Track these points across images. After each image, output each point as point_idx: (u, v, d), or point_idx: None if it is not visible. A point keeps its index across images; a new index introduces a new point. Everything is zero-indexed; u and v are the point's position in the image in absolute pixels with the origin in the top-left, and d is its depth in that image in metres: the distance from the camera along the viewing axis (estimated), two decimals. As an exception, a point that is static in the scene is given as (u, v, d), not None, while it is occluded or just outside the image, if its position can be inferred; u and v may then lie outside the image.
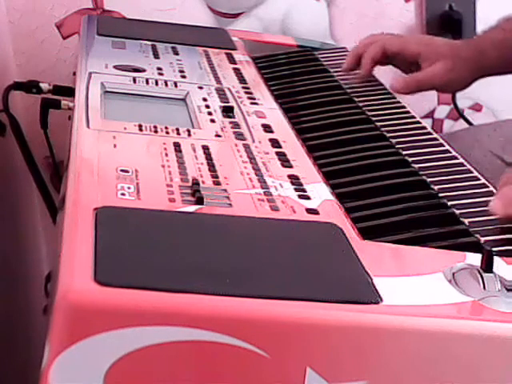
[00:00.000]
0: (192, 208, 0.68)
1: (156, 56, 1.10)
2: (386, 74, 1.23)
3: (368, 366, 0.58)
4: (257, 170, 0.78)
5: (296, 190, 0.75)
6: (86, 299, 0.55)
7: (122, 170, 0.72)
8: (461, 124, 1.66)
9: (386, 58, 1.18)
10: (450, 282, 0.63)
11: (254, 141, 0.85)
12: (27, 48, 1.48)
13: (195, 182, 0.72)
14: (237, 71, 1.10)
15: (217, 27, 1.49)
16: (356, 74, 1.18)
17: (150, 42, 1.15)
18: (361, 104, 1.07)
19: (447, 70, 1.14)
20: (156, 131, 0.83)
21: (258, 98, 1.00)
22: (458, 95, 1.62)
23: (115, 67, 1.02)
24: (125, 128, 0.83)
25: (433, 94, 1.69)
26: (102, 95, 0.92)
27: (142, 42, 1.15)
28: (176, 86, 0.99)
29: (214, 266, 0.60)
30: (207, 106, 0.94)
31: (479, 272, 0.63)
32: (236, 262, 0.61)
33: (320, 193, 0.76)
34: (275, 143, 0.86)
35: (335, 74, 1.18)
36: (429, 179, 0.85)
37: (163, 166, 0.75)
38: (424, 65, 1.15)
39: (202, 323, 0.55)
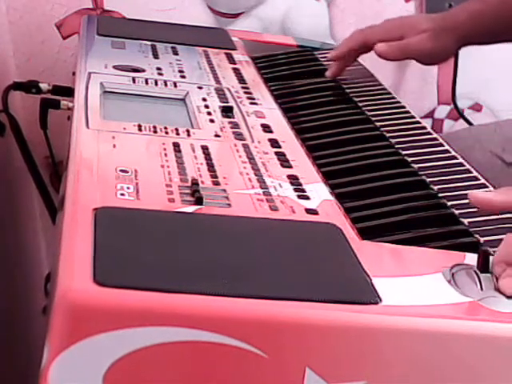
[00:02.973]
0: (191, 208, 0.68)
1: (155, 56, 1.10)
2: (386, 73, 1.23)
3: (367, 366, 0.58)
4: (256, 170, 0.78)
5: (295, 190, 0.75)
6: (85, 299, 0.55)
7: (121, 170, 0.72)
8: (461, 124, 1.66)
9: (367, 48, 1.18)
10: (449, 282, 0.63)
11: (253, 141, 0.85)
12: (27, 48, 1.48)
13: (194, 182, 0.72)
14: (236, 71, 1.10)
15: (217, 27, 1.49)
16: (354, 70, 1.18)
17: (149, 42, 1.15)
18: (361, 104, 1.07)
19: (430, 38, 1.15)
20: (155, 131, 0.83)
21: (258, 98, 1.00)
22: (458, 95, 1.62)
23: (115, 67, 1.02)
24: (124, 128, 0.83)
25: (433, 94, 1.69)
26: (101, 95, 0.92)
27: (141, 42, 1.15)
28: (175, 86, 0.99)
29: (213, 266, 0.60)
30: (206, 106, 0.94)
31: (475, 272, 0.63)
32: (235, 262, 0.61)
33: (319, 193, 0.76)
34: (274, 143, 0.86)
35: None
36: (428, 179, 0.85)
37: (162, 166, 0.75)
38: None
39: (202, 323, 0.55)
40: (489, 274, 0.63)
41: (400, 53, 1.15)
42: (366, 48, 1.16)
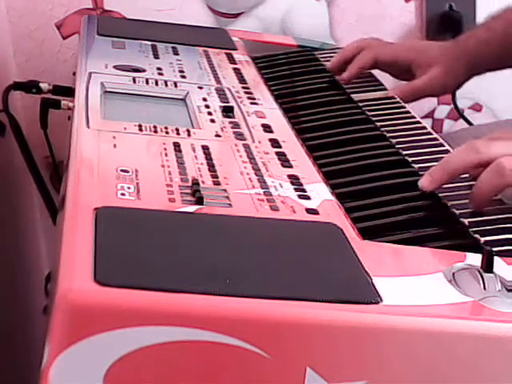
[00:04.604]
0: (192, 208, 0.68)
1: (156, 56, 1.10)
2: (387, 74, 1.23)
3: (368, 366, 0.58)
4: (257, 170, 0.78)
5: (296, 190, 0.75)
6: (85, 299, 0.55)
7: (121, 170, 0.72)
8: (461, 124, 1.66)
9: (375, 67, 1.19)
10: (450, 281, 0.63)
11: (253, 141, 0.85)
12: (27, 48, 1.48)
13: (195, 182, 0.72)
14: (237, 71, 1.10)
15: (217, 27, 1.49)
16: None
17: (149, 42, 1.15)
18: (361, 104, 1.07)
19: (442, 74, 1.16)
20: (156, 131, 0.83)
21: (258, 98, 1.00)
22: (458, 95, 1.62)
23: (115, 67, 1.02)
24: (125, 128, 0.83)
25: (433, 94, 1.68)
26: (101, 95, 0.92)
27: (141, 42, 1.15)
28: (176, 86, 0.99)
29: (214, 265, 0.60)
30: (207, 106, 0.94)
31: (479, 272, 0.63)
32: (236, 262, 0.61)
33: (320, 193, 0.76)
34: (275, 143, 0.86)
35: (335, 74, 1.18)
36: (429, 179, 0.85)
37: (163, 166, 0.75)
38: (417, 72, 1.17)
39: (202, 323, 0.55)
40: (492, 275, 0.62)
41: (413, 97, 1.17)
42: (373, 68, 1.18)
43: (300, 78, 1.15)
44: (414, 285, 0.62)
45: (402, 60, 1.18)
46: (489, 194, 0.77)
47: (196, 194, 0.70)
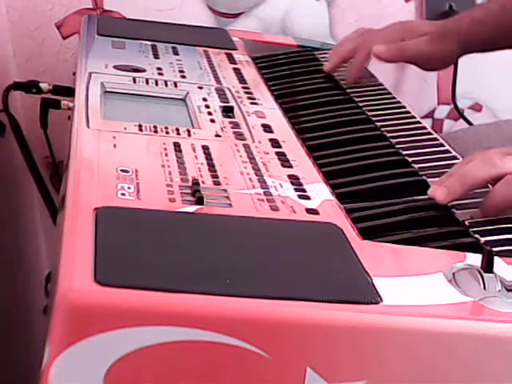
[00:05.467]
0: (192, 208, 0.68)
1: (156, 56, 1.10)
2: (386, 73, 1.23)
3: (368, 366, 0.58)
4: (257, 170, 0.78)
5: (296, 190, 0.75)
6: (85, 299, 0.55)
7: (122, 170, 0.72)
8: (461, 124, 1.66)
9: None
10: (450, 281, 0.63)
11: (253, 141, 0.85)
12: (27, 48, 1.48)
13: (195, 182, 0.72)
14: (237, 71, 1.10)
15: (217, 27, 1.49)
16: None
17: (149, 42, 1.15)
18: (361, 104, 1.07)
19: (429, 41, 1.15)
20: (156, 131, 0.83)
21: (258, 98, 1.00)
22: (458, 95, 1.62)
23: (115, 67, 1.02)
24: (125, 128, 0.83)
25: (433, 94, 1.69)
26: (101, 95, 0.92)
27: (141, 42, 1.15)
28: (176, 86, 0.99)
29: (214, 266, 0.60)
30: (207, 106, 0.94)
31: (479, 272, 0.63)
32: (236, 262, 0.61)
33: (320, 193, 0.76)
34: (275, 143, 0.86)
35: (335, 74, 1.18)
36: (429, 179, 0.85)
37: (163, 166, 0.75)
38: None
39: (202, 323, 0.55)
40: (492, 275, 0.63)
41: (398, 53, 1.15)
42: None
43: (300, 78, 1.15)
44: (414, 285, 0.62)
45: (394, 41, 1.18)
46: (501, 206, 0.78)
47: (196, 194, 0.70)
